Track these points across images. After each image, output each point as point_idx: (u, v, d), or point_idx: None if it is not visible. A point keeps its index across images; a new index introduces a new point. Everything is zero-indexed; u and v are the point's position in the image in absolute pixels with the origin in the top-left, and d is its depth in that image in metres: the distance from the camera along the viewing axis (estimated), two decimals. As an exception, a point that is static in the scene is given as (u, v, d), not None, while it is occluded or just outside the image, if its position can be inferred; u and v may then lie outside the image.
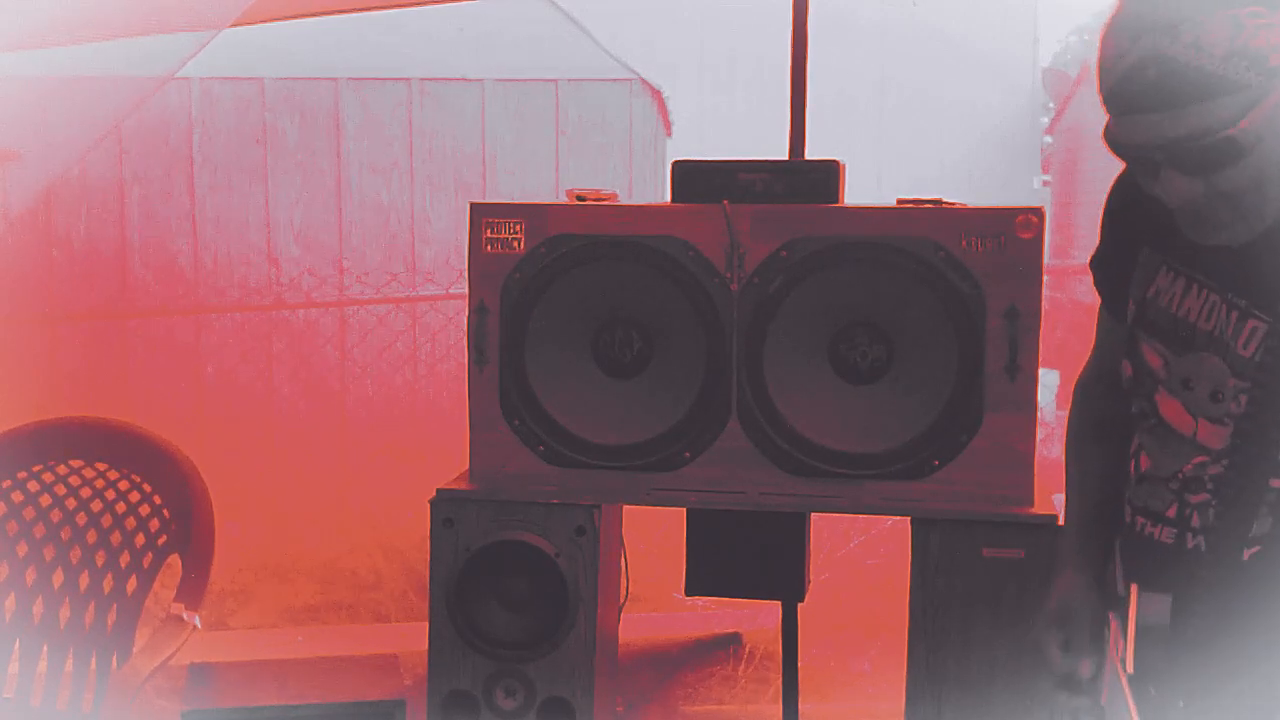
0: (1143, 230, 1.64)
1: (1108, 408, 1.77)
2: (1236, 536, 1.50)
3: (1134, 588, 1.60)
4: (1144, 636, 1.56)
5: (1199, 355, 1.55)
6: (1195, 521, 1.56)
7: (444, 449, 3.46)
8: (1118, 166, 1.58)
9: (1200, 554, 1.55)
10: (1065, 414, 1.91)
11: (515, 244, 2.48)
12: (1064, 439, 1.93)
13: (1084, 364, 1.89)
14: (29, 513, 2.90)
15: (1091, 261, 1.77)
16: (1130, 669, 1.54)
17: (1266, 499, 1.49)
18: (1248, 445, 1.48)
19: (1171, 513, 1.60)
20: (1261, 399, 1.47)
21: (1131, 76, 1.37)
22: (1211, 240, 1.47)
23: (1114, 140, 1.44)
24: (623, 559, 2.70)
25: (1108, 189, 1.71)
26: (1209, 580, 1.51)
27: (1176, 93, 1.34)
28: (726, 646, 4.35)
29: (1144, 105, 1.37)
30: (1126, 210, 1.68)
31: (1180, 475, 1.58)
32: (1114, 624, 1.66)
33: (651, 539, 3.27)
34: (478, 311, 2.51)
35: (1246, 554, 1.51)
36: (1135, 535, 1.65)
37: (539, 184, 7.78)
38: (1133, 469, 1.67)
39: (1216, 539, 1.52)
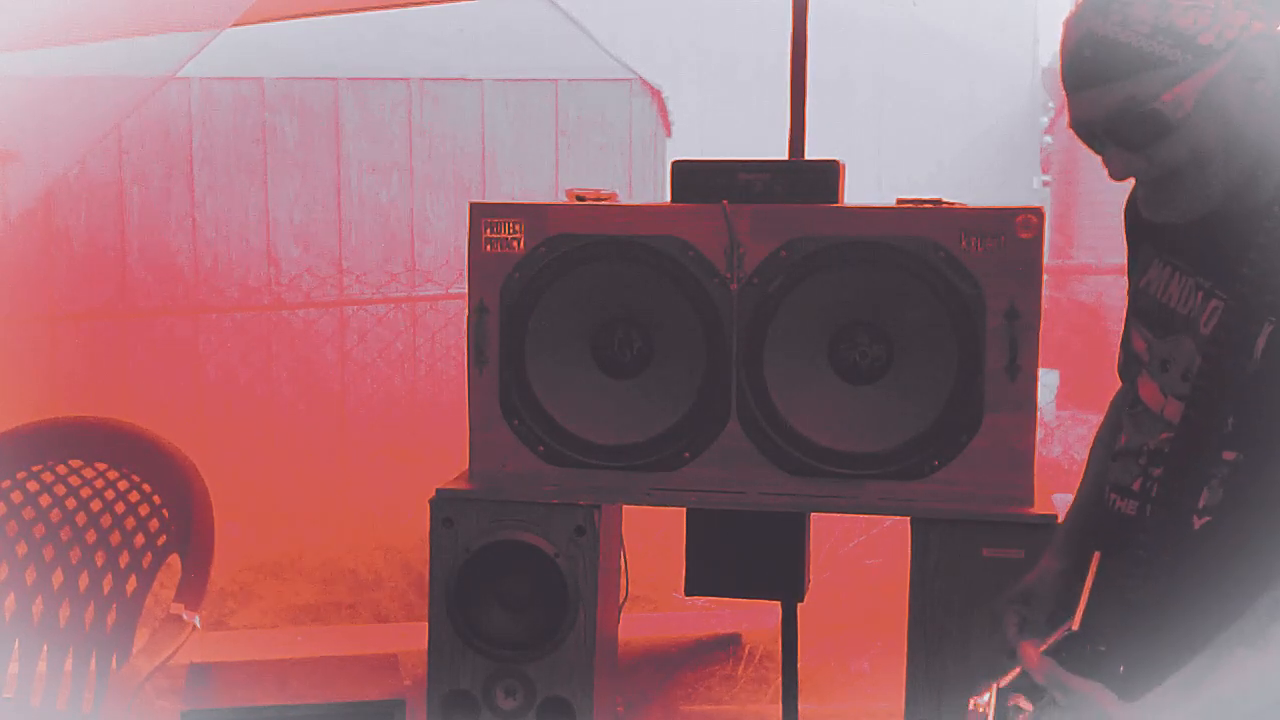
0: (1144, 227, 1.72)
1: None
2: (1186, 505, 1.54)
3: (1096, 554, 1.65)
4: (1094, 598, 1.61)
5: (1176, 338, 1.62)
6: (1155, 492, 1.61)
7: (444, 449, 3.46)
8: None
9: (1147, 521, 1.60)
10: (1065, 414, 1.97)
11: (515, 244, 2.48)
12: (1065, 439, 2.00)
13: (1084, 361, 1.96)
14: (29, 513, 2.90)
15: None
16: (1075, 626, 1.58)
17: (1218, 471, 1.53)
18: (1198, 416, 1.53)
19: (1137, 486, 1.65)
20: (1211, 372, 1.52)
21: (1073, 56, 1.51)
22: (1162, 216, 1.57)
23: (1071, 121, 1.56)
24: (623, 559, 2.70)
25: (1108, 196, 1.78)
26: (1157, 546, 1.55)
27: (1107, 68, 1.47)
28: (726, 646, 4.36)
29: (1083, 82, 1.51)
30: (1134, 210, 1.75)
31: (1147, 449, 1.64)
32: None
33: (651, 539, 3.27)
34: (478, 311, 2.51)
35: (1197, 523, 1.55)
36: (1106, 510, 1.71)
37: (539, 184, 7.78)
38: (1115, 451, 1.74)
39: (1166, 506, 1.56)
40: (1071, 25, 1.51)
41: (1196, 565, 1.54)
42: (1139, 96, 1.46)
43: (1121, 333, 1.81)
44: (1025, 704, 1.48)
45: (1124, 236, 1.82)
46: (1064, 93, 1.56)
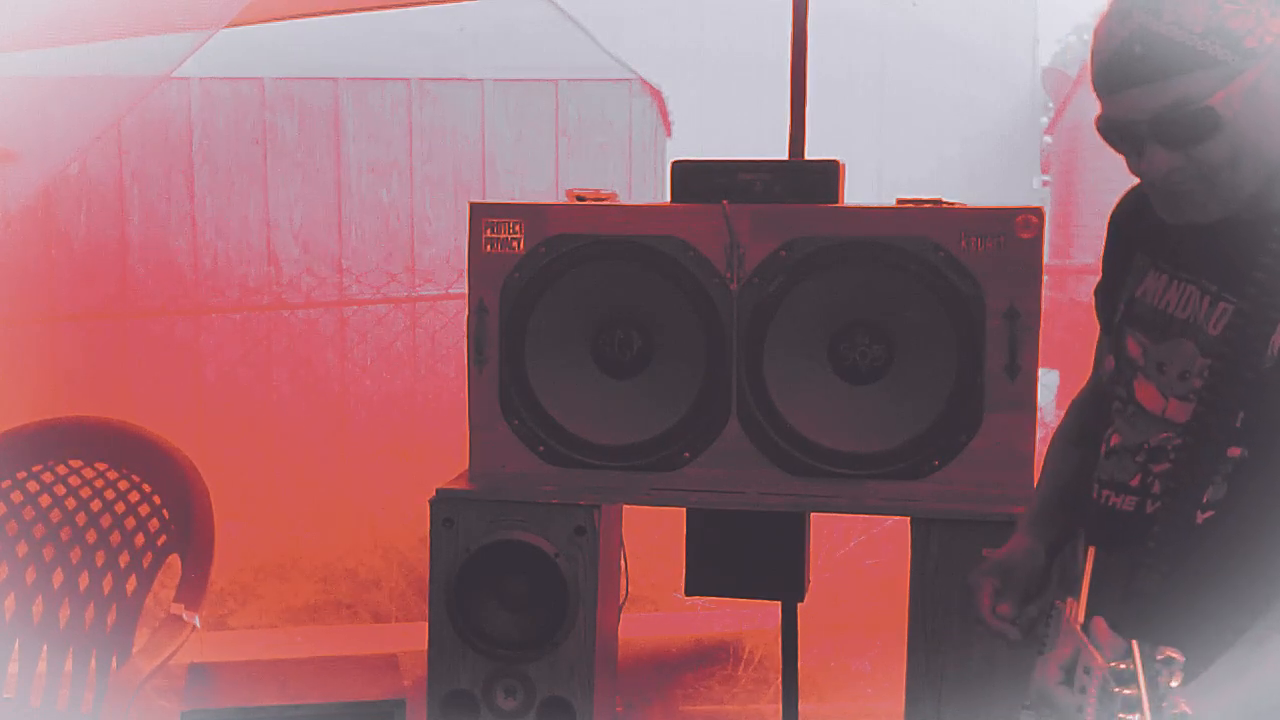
0: (1139, 237, 1.74)
1: (1093, 420, 1.84)
2: (1190, 500, 1.57)
3: (1091, 549, 1.67)
4: (1095, 592, 1.63)
5: (1175, 341, 1.63)
6: (1156, 489, 1.63)
7: (444, 449, 3.45)
8: (1118, 166, 1.65)
9: (1155, 516, 1.61)
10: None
11: (515, 244, 2.49)
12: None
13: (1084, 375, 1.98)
14: (29, 513, 2.90)
15: (1095, 290, 1.86)
16: (1080, 620, 1.59)
17: (1223, 468, 1.55)
18: (1207, 415, 1.56)
19: (1135, 482, 1.67)
20: (1222, 370, 1.55)
21: (1120, 53, 1.50)
22: (1182, 218, 1.58)
23: (1105, 121, 1.55)
24: (623, 559, 2.70)
25: (1108, 195, 1.78)
26: (1161, 539, 1.58)
27: (1160, 66, 1.47)
28: (726, 647, 4.35)
29: (1131, 80, 1.50)
30: (1127, 219, 1.78)
31: (1145, 447, 1.66)
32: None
33: (651, 539, 3.27)
34: (478, 311, 2.51)
35: (1200, 518, 1.57)
36: (1099, 507, 1.72)
37: (539, 184, 7.77)
38: (1103, 449, 1.74)
39: (1171, 501, 1.59)
40: (1115, 23, 1.51)
41: (1199, 560, 1.57)
42: (1192, 95, 1.47)
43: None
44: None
45: (1106, 244, 1.82)
46: (1100, 96, 1.55)
